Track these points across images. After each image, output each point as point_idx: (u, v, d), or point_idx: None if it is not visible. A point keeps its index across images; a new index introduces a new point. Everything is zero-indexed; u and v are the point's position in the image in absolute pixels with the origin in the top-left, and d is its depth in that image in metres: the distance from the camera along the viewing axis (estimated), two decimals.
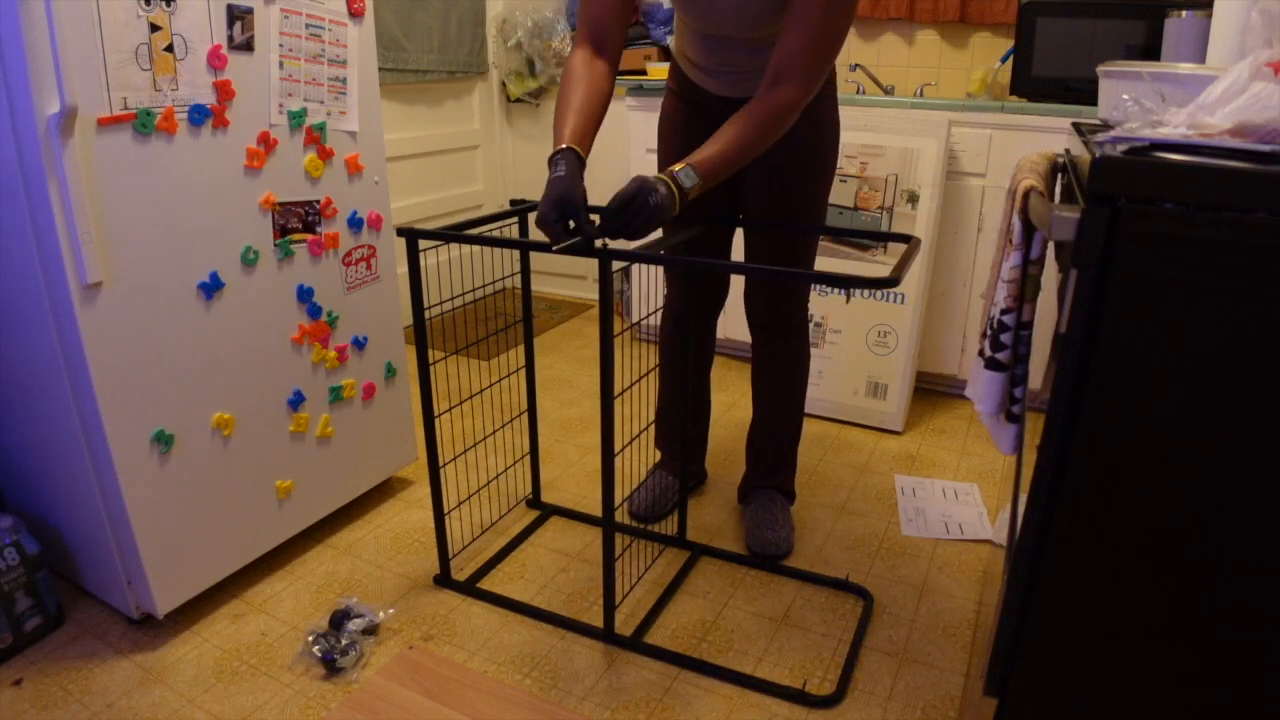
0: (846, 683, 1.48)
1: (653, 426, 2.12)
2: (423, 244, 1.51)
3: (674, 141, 1.75)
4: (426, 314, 1.58)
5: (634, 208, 1.28)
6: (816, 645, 1.58)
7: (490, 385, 2.19)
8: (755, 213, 1.72)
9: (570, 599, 1.71)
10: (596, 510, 2.03)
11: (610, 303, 1.43)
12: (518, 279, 3.87)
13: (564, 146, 1.36)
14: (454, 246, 3.41)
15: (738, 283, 2.41)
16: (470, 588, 1.73)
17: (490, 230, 1.61)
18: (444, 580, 1.75)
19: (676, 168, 1.33)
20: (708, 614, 1.67)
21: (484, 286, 3.73)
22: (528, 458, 2.23)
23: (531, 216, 1.83)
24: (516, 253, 3.81)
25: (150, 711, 1.41)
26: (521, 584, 1.76)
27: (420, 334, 1.58)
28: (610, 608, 1.57)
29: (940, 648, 1.58)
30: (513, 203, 1.75)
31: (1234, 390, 0.76)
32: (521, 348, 3.10)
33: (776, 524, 1.86)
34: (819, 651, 1.56)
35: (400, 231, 1.51)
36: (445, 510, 1.71)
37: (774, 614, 1.67)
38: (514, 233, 1.77)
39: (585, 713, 1.43)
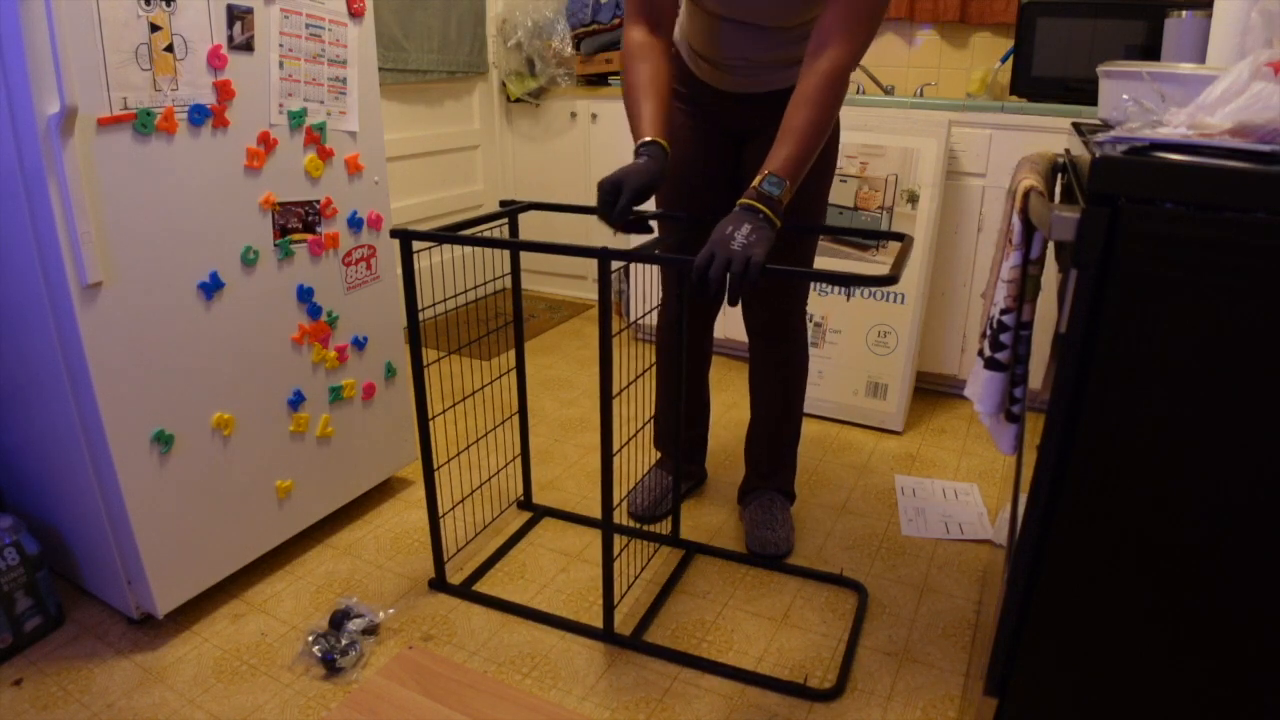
0: (846, 678, 1.48)
1: (650, 426, 2.13)
2: (420, 245, 1.51)
3: (677, 143, 1.73)
4: (425, 314, 1.58)
5: (715, 269, 1.20)
6: (816, 645, 1.58)
7: (484, 386, 2.18)
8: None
9: (569, 599, 1.71)
10: (597, 509, 2.03)
11: (609, 303, 1.43)
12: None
13: (649, 140, 1.36)
14: (451, 246, 3.41)
15: None
16: (466, 591, 1.72)
17: (482, 231, 1.61)
18: (439, 584, 1.74)
19: (756, 181, 1.27)
20: (708, 614, 1.67)
21: (483, 285, 3.73)
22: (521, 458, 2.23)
23: (522, 216, 1.84)
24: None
25: (150, 711, 1.41)
26: (520, 584, 1.76)
27: (414, 335, 1.58)
28: (610, 608, 1.57)
29: (940, 648, 1.58)
30: (502, 203, 1.75)
31: (1234, 390, 0.76)
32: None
33: (776, 524, 1.86)
34: (819, 651, 1.56)
35: (394, 233, 1.51)
36: (440, 513, 1.71)
37: (773, 614, 1.67)
38: (506, 234, 1.77)
39: (585, 713, 1.43)
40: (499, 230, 1.70)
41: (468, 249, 3.56)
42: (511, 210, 1.73)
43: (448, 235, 1.47)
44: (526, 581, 1.77)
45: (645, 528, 1.95)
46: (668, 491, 2.00)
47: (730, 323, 2.69)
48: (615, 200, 1.32)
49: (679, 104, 1.71)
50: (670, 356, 1.91)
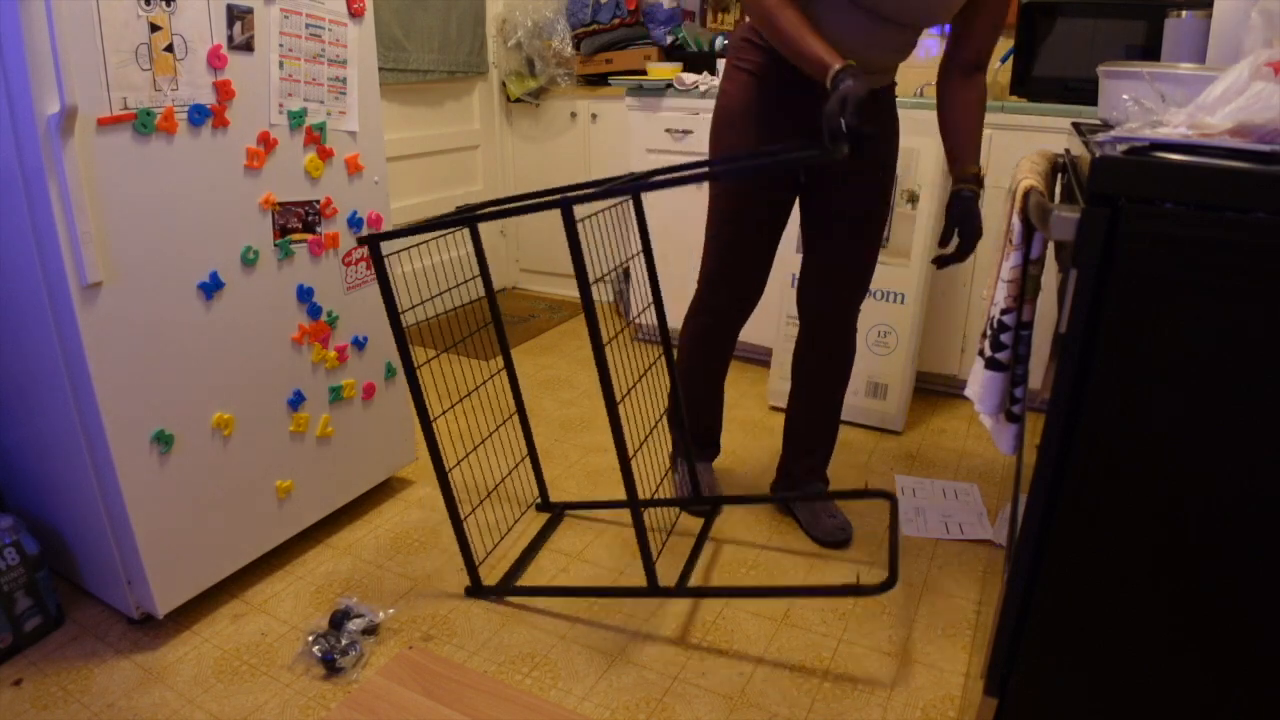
0: (895, 573, 1.55)
1: (647, 431, 2.14)
2: (419, 247, 1.51)
3: (753, 128, 1.65)
4: (422, 315, 1.58)
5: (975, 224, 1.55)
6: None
7: (478, 386, 2.16)
8: (854, 210, 1.73)
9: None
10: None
11: (580, 252, 1.41)
12: (518, 278, 3.87)
13: (845, 65, 1.34)
14: (450, 247, 3.41)
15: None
16: (508, 589, 1.71)
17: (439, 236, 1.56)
18: (476, 591, 1.71)
19: (967, 171, 1.55)
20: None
21: (456, 286, 3.72)
22: (529, 461, 2.23)
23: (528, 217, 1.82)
24: (513, 253, 3.81)
25: (150, 711, 1.41)
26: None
27: (401, 342, 1.56)
28: (650, 567, 1.58)
29: (940, 648, 1.58)
30: (459, 209, 1.62)
31: (1234, 390, 0.76)
32: (523, 345, 3.10)
33: (833, 511, 1.93)
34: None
35: (361, 240, 1.50)
36: (461, 517, 1.66)
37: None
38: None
39: (585, 713, 1.43)
40: (457, 239, 1.69)
41: (464, 251, 3.57)
42: (471, 217, 1.56)
43: (410, 230, 1.45)
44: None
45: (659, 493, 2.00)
46: (709, 473, 2.07)
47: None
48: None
49: (766, 89, 1.64)
50: (714, 356, 1.92)
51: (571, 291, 3.77)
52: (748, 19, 1.64)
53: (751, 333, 2.22)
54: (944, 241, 1.59)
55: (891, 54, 1.58)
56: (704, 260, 1.81)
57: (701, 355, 1.92)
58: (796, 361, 1.92)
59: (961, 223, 1.55)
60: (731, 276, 1.79)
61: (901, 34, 1.54)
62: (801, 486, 1.96)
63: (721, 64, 2.84)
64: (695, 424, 2.03)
